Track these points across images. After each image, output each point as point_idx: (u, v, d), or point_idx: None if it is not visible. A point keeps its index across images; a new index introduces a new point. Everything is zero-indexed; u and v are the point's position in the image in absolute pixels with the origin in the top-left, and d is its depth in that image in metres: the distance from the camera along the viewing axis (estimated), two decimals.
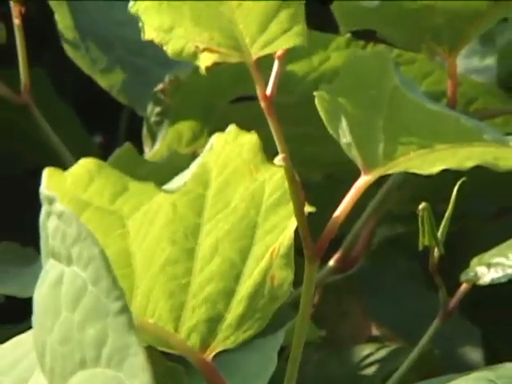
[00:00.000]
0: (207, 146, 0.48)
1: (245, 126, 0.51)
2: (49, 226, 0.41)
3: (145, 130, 0.76)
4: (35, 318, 0.43)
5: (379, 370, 0.83)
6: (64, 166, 0.78)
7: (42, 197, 0.42)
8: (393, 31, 0.70)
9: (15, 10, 0.76)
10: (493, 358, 0.86)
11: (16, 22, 0.77)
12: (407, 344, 0.82)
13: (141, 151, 0.71)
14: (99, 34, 0.80)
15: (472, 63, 0.82)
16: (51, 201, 0.41)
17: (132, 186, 0.46)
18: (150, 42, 0.50)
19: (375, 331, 0.87)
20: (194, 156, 0.73)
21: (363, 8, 0.65)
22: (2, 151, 0.99)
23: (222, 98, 0.73)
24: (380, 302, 0.88)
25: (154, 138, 0.76)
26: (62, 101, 0.97)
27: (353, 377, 0.84)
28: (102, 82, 0.79)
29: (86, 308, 0.39)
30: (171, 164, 0.68)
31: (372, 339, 0.87)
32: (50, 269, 0.42)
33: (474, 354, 0.87)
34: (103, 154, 1.01)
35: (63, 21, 0.80)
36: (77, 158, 0.77)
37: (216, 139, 0.48)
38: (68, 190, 0.45)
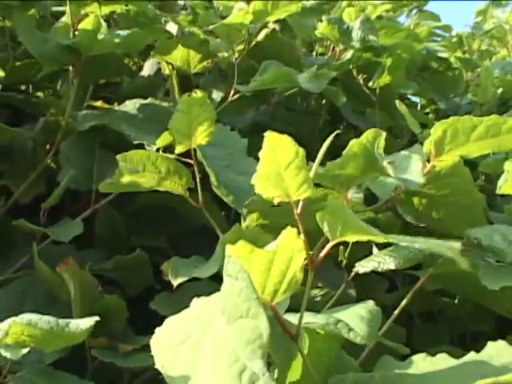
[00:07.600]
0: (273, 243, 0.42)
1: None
2: (228, 265, 0.37)
3: (242, 217, 0.69)
4: (222, 295, 0.37)
5: (322, 299, 0.76)
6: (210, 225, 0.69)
7: (226, 253, 0.37)
8: (329, 184, 0.60)
9: (198, 176, 0.69)
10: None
11: (197, 180, 0.69)
12: (333, 291, 0.74)
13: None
14: (228, 184, 0.73)
15: (354, 195, 0.73)
16: (230, 256, 0.37)
17: (255, 249, 0.40)
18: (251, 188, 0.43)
19: (320, 285, 0.78)
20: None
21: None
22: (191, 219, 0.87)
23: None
24: (323, 275, 0.78)
25: (245, 219, 0.69)
26: (214, 202, 0.83)
27: (312, 301, 0.75)
28: (231, 204, 0.72)
29: (242, 296, 0.35)
30: (251, 231, 0.62)
31: (318, 288, 0.78)
32: (227, 281, 0.37)
33: (351, 293, 0.77)
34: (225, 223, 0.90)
35: (214, 180, 0.74)
36: (218, 225, 0.68)
37: (281, 238, 0.41)
38: (233, 251, 0.39)
